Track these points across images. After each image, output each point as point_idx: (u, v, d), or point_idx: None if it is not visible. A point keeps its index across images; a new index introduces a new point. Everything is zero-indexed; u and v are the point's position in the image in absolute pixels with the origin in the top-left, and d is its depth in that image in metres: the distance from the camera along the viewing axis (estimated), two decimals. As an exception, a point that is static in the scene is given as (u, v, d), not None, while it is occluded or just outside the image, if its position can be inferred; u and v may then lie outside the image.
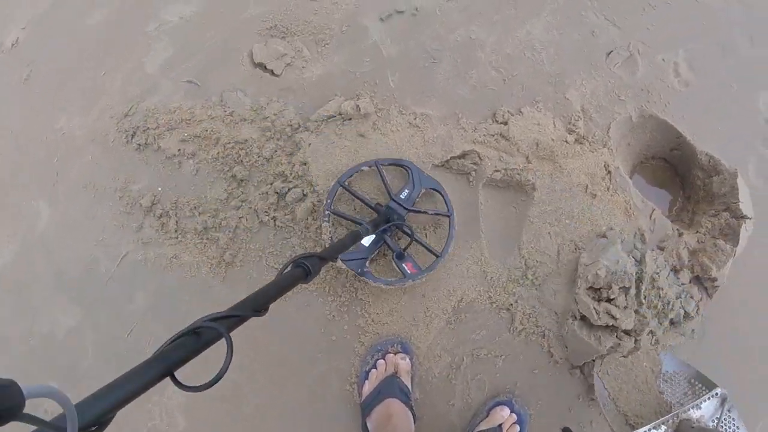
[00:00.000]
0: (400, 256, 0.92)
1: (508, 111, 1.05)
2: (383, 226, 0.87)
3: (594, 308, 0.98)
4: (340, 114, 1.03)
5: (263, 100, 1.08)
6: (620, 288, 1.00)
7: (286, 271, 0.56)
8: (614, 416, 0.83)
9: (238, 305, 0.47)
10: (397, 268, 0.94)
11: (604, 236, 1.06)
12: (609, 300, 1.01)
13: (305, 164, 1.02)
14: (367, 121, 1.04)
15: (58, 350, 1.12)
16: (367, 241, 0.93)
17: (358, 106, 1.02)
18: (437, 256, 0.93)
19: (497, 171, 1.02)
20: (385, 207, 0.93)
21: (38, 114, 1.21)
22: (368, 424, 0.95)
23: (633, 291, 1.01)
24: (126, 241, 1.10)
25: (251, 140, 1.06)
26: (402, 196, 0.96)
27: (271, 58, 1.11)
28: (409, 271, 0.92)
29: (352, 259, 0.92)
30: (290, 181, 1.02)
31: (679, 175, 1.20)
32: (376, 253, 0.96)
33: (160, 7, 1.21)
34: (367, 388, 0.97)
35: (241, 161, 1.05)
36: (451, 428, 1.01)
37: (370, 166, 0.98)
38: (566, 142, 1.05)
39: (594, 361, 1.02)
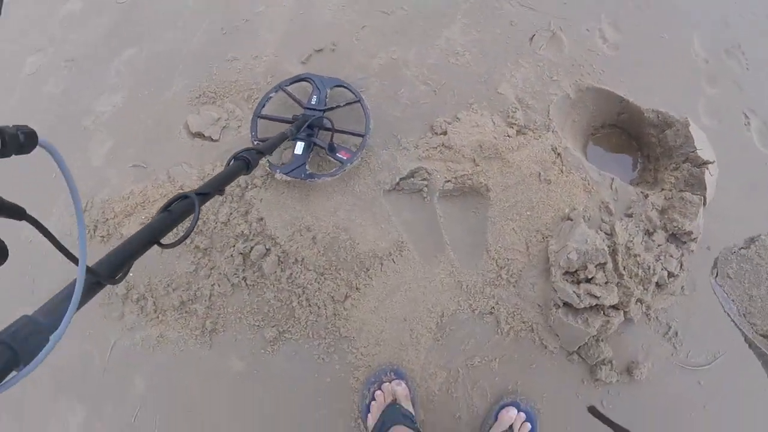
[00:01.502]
0: (332, 149, 1.01)
1: (444, 120, 1.06)
2: (304, 127, 0.97)
3: (574, 292, 0.98)
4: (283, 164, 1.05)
5: (208, 167, 1.10)
6: (596, 266, 1.00)
7: (231, 163, 0.68)
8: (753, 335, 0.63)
9: (199, 189, 0.58)
10: (334, 160, 1.02)
11: (568, 218, 1.06)
12: (588, 280, 1.01)
13: (261, 219, 1.04)
14: (312, 166, 1.05)
15: (75, 449, 1.14)
16: (299, 149, 1.02)
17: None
18: (363, 136, 1.01)
19: (448, 181, 1.03)
20: (301, 115, 1.03)
21: (2, 227, 1.24)
22: (381, 456, 0.95)
23: (610, 265, 1.01)
24: (112, 330, 1.12)
25: (205, 208, 1.08)
26: (313, 103, 1.05)
27: (207, 125, 1.13)
28: (344, 158, 1.00)
29: (294, 169, 1.01)
30: (251, 239, 1.04)
31: (633, 137, 1.20)
32: (310, 158, 1.04)
33: (92, 100, 1.24)
34: (371, 421, 0.98)
35: (201, 231, 1.07)
36: (464, 441, 1.01)
37: (276, 91, 1.09)
38: (508, 136, 1.05)
39: (588, 343, 1.02)
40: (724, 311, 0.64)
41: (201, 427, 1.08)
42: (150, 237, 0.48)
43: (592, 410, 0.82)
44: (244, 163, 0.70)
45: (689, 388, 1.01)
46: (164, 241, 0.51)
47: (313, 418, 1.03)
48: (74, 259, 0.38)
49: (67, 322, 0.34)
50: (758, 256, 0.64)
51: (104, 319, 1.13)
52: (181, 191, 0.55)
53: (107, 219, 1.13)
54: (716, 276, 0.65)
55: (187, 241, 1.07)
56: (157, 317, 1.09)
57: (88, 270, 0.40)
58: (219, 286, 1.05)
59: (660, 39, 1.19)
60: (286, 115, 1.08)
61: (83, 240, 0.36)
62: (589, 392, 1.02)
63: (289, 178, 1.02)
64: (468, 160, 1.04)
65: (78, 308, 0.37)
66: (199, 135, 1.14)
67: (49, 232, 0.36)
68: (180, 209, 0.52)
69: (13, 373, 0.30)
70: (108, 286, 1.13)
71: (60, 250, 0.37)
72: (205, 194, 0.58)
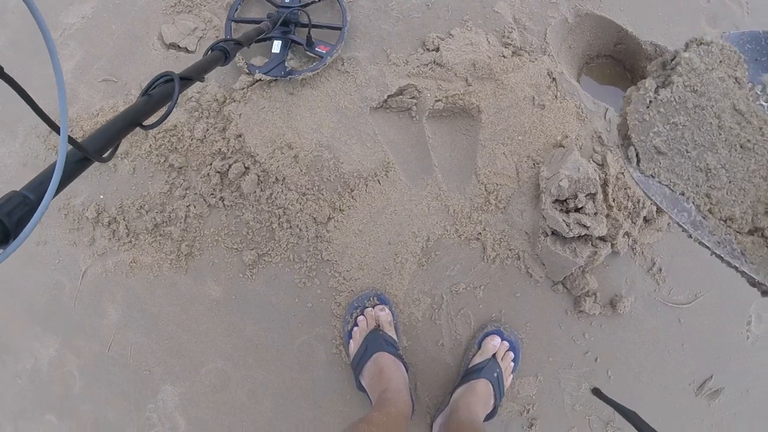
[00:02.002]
0: (310, 43, 0.99)
1: (437, 36, 1.00)
2: (279, 22, 0.95)
3: (563, 221, 0.96)
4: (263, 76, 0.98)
5: (183, 80, 1.03)
6: (586, 195, 0.97)
7: (209, 53, 0.67)
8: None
9: (181, 72, 0.57)
10: (313, 55, 0.99)
11: (560, 146, 1.03)
12: (577, 209, 0.98)
13: (240, 136, 0.98)
14: (294, 80, 0.99)
15: (47, 382, 1.10)
16: (276, 48, 1.00)
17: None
18: (341, 28, 0.99)
19: (438, 101, 0.98)
20: (276, 13, 0.99)
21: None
22: (362, 382, 0.94)
23: (600, 196, 0.98)
24: (82, 257, 1.07)
25: (180, 124, 1.01)
26: (287, 1, 1.03)
27: (182, 35, 1.05)
28: (323, 51, 0.98)
29: (273, 68, 0.99)
30: (229, 157, 0.98)
31: (628, 69, 1.16)
32: (288, 55, 1.02)
33: (60, 11, 1.14)
34: (353, 347, 0.96)
35: (176, 148, 1.01)
36: (446, 368, 1.00)
37: None
38: (503, 56, 1.00)
39: (574, 273, 1.01)
40: (674, 221, 0.49)
41: (177, 356, 1.05)
42: (132, 119, 0.48)
43: (596, 392, 0.80)
44: (221, 53, 0.68)
45: (669, 325, 1.00)
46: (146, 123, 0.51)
47: (294, 344, 1.01)
48: (55, 128, 0.35)
49: (51, 193, 0.33)
50: (683, 87, 0.48)
51: (74, 245, 1.08)
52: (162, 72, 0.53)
53: (76, 138, 1.05)
54: (637, 162, 0.47)
55: (161, 158, 1.01)
56: (130, 241, 1.03)
57: (73, 142, 0.38)
58: (195, 207, 1.00)
59: (664, -32, 1.14)
60: (262, 17, 1.01)
61: (63, 104, 0.34)
62: (572, 324, 1.01)
63: (269, 80, 0.97)
64: (460, 79, 0.99)
65: (64, 183, 0.37)
66: (174, 46, 1.06)
67: (28, 95, 0.33)
68: (159, 94, 0.52)
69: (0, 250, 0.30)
70: (74, 208, 1.07)
71: (40, 116, 0.35)
72: (187, 78, 0.56)
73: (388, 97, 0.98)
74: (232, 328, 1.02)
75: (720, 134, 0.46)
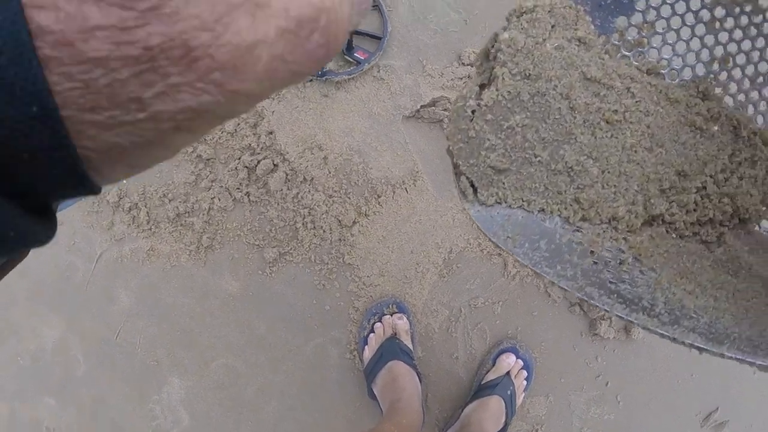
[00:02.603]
0: (350, 48, 0.98)
1: (473, 51, 1.01)
2: None
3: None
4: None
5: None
6: None
7: None
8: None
9: None
10: (351, 60, 0.99)
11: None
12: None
13: (271, 133, 0.98)
14: (330, 81, 0.99)
15: (50, 364, 1.08)
16: None
17: (318, 66, 0.98)
18: (381, 38, 0.99)
19: (470, 114, 0.99)
20: None
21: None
22: (374, 390, 0.93)
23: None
24: (99, 241, 1.06)
25: (212, 117, 1.01)
26: None
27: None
28: (362, 57, 0.98)
29: None
30: (258, 153, 0.98)
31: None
32: None
33: None
34: (368, 353, 0.95)
35: (205, 140, 1.00)
36: (459, 382, 0.99)
37: None
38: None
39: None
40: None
41: (187, 349, 1.03)
42: None
43: None
44: None
45: (680, 354, 1.01)
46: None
47: (307, 346, 1.00)
48: None
49: None
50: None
51: (91, 228, 1.07)
52: None
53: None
54: (474, 193, 0.35)
55: (189, 149, 1.01)
56: (150, 229, 1.02)
57: None
58: (219, 200, 0.99)
59: None
60: None
61: None
62: (586, 345, 1.01)
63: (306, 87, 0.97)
64: (494, 94, 0.99)
65: None
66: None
67: None
68: None
69: None
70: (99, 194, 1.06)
71: None
72: None
73: (421, 107, 0.99)
74: (246, 325, 1.01)
75: (574, 117, 0.33)
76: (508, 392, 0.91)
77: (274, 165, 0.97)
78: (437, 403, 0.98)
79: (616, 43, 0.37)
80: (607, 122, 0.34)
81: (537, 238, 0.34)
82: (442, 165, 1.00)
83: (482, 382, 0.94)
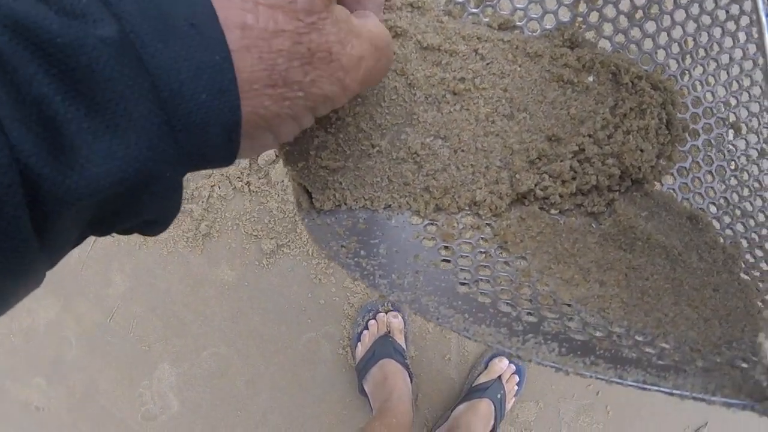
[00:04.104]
0: None
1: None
2: None
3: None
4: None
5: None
6: None
7: None
8: None
9: None
10: None
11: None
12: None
13: (275, 124, 0.97)
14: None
15: (41, 345, 1.08)
16: None
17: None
18: None
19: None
20: None
21: None
22: (365, 387, 0.93)
23: None
24: (96, 223, 1.05)
25: (216, 104, 1.00)
26: None
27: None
28: None
29: None
30: (261, 144, 0.97)
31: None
32: None
33: None
34: (361, 350, 0.95)
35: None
36: (450, 383, 0.99)
37: None
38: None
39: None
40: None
41: (179, 336, 1.03)
42: None
43: None
44: None
45: None
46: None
47: (300, 339, 1.00)
48: None
49: None
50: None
51: (89, 210, 1.06)
52: None
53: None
54: (310, 200, 0.31)
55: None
56: (148, 214, 1.02)
57: None
58: (220, 188, 0.99)
59: None
60: None
61: None
62: (580, 354, 1.01)
63: None
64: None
65: None
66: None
67: None
68: None
69: None
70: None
71: None
72: None
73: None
74: (239, 315, 1.01)
75: (414, 94, 0.29)
76: (498, 396, 0.91)
77: (276, 156, 0.97)
78: (427, 403, 0.98)
79: (460, 1, 0.31)
80: (454, 93, 0.29)
81: (377, 242, 0.29)
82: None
83: (473, 385, 0.94)
